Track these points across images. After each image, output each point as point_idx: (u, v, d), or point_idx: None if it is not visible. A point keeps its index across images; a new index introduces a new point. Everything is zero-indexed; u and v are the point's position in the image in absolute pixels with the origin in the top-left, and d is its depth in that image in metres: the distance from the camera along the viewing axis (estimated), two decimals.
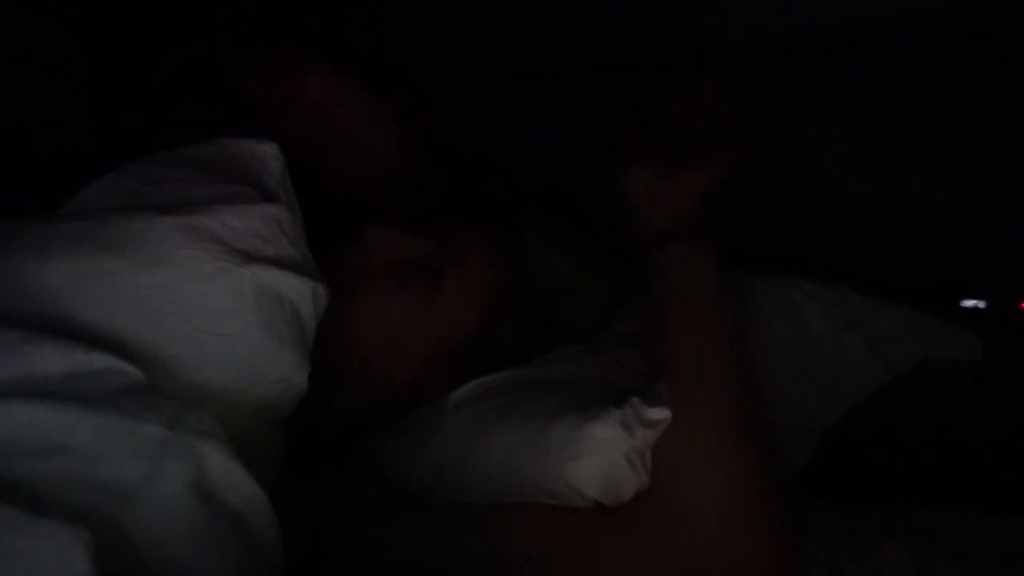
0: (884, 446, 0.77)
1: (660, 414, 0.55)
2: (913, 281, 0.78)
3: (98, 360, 0.44)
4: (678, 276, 0.62)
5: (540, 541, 0.55)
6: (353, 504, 0.59)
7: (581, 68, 0.77)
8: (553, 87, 0.79)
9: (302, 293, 0.52)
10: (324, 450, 0.64)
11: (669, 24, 0.69)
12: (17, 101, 0.76)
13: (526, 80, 0.80)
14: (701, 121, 0.64)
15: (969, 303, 0.80)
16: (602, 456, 0.54)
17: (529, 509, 0.56)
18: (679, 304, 0.61)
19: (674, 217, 0.63)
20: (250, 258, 0.50)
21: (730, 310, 0.62)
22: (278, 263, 0.51)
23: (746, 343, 0.61)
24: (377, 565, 0.56)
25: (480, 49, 0.80)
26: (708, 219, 0.63)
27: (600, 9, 0.72)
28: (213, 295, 0.49)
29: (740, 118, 0.64)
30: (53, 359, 0.43)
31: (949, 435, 0.77)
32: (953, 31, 0.65)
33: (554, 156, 0.81)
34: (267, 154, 0.59)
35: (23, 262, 0.48)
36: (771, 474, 0.55)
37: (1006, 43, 0.64)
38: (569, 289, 0.74)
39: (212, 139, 0.60)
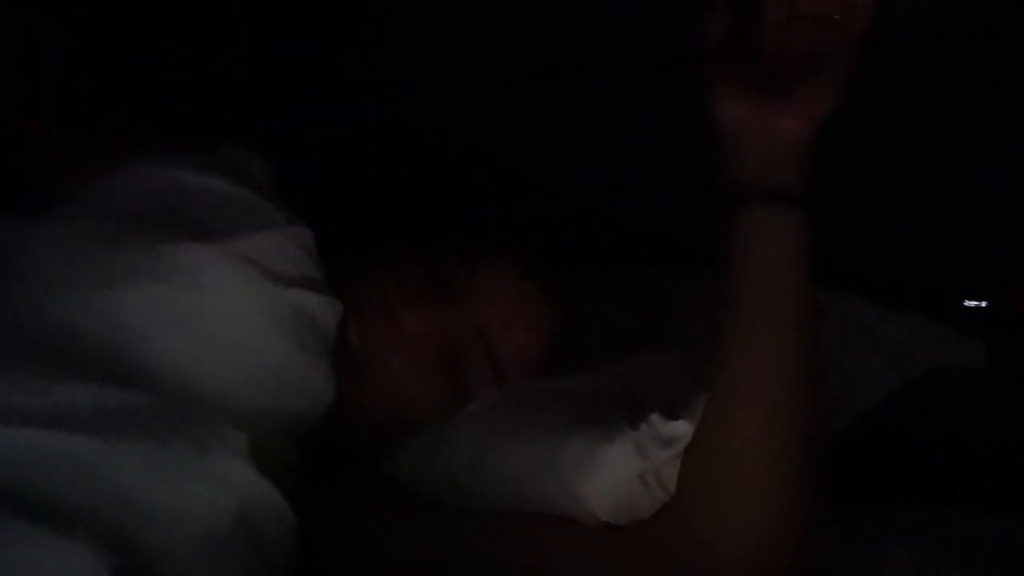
0: (890, 449, 0.77)
1: (678, 430, 0.52)
2: (916, 282, 0.78)
3: (134, 393, 0.46)
4: (753, 246, 0.53)
5: (551, 549, 0.54)
6: (362, 507, 0.59)
7: (581, 68, 0.78)
8: (553, 87, 0.79)
9: (327, 311, 0.56)
10: (334, 455, 0.63)
11: (670, 24, 0.69)
12: (17, 101, 0.76)
13: (526, 80, 0.80)
14: (805, 47, 0.56)
15: (971, 303, 0.80)
16: (614, 478, 0.52)
17: (540, 517, 0.55)
18: (747, 281, 0.53)
19: (767, 167, 0.55)
20: (285, 281, 0.54)
21: (811, 299, 0.53)
22: (307, 285, 0.55)
23: (817, 346, 0.53)
24: (384, 568, 0.55)
25: (480, 49, 0.81)
26: (803, 179, 0.55)
27: (600, 9, 0.72)
28: (254, 318, 0.52)
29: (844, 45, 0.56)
30: (87, 390, 0.45)
31: (953, 438, 0.77)
32: (953, 31, 0.65)
33: (555, 156, 0.81)
34: (264, 165, 0.63)
35: (91, 293, 0.51)
36: (807, 491, 0.50)
37: (1006, 43, 0.65)
38: (614, 343, 0.69)
39: (213, 144, 0.63)
